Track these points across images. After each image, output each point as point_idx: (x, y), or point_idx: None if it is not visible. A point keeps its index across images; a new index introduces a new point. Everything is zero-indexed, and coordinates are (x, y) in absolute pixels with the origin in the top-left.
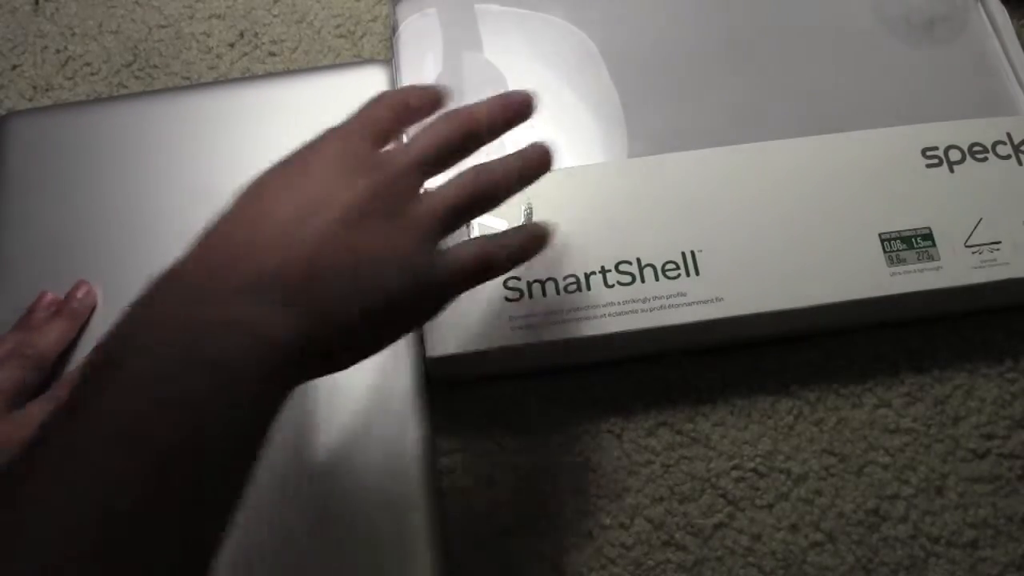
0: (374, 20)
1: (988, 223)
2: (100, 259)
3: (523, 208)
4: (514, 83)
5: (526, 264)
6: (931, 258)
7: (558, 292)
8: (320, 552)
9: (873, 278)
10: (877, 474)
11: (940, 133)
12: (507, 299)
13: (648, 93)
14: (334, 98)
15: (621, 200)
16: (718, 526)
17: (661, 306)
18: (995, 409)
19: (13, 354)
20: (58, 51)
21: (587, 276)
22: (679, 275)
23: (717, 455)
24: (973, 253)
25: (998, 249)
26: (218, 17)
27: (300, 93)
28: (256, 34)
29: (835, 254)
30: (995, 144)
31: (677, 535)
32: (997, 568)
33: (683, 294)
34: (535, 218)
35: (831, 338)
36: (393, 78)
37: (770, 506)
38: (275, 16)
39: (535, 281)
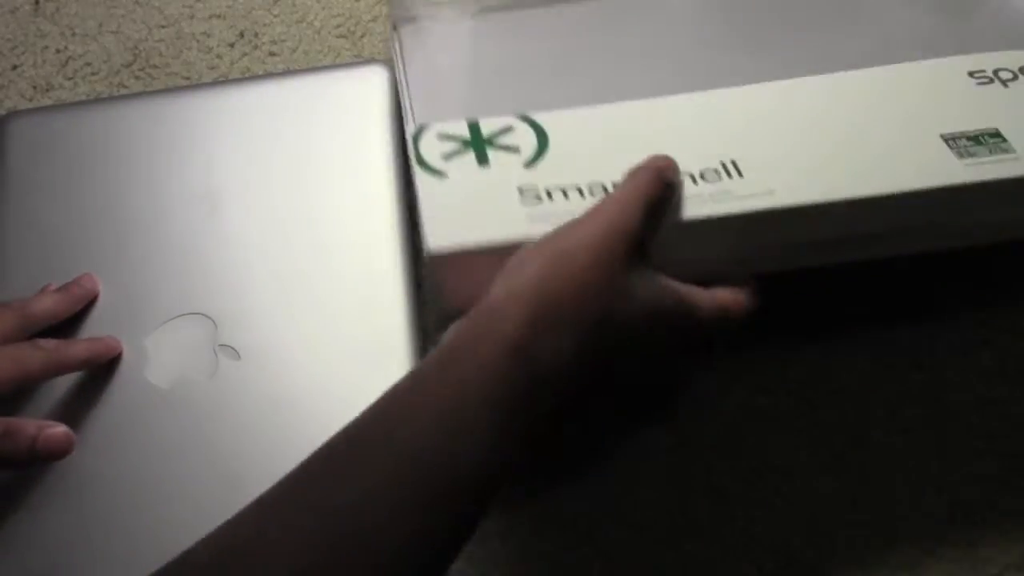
0: (374, 20)
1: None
2: (100, 258)
3: None
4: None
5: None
6: (1004, 151)
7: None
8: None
9: (945, 167)
10: (877, 473)
11: (984, 60)
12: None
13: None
14: (334, 98)
15: (651, 121)
16: (718, 526)
17: (710, 195)
18: (995, 409)
19: (5, 307)
20: (58, 51)
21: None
22: (720, 177)
23: (717, 455)
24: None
25: None
26: (218, 17)
27: (300, 93)
28: (256, 34)
29: (897, 148)
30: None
31: (677, 535)
32: (997, 568)
33: (729, 192)
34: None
35: (831, 338)
36: (399, 79)
37: (770, 506)
38: (275, 16)
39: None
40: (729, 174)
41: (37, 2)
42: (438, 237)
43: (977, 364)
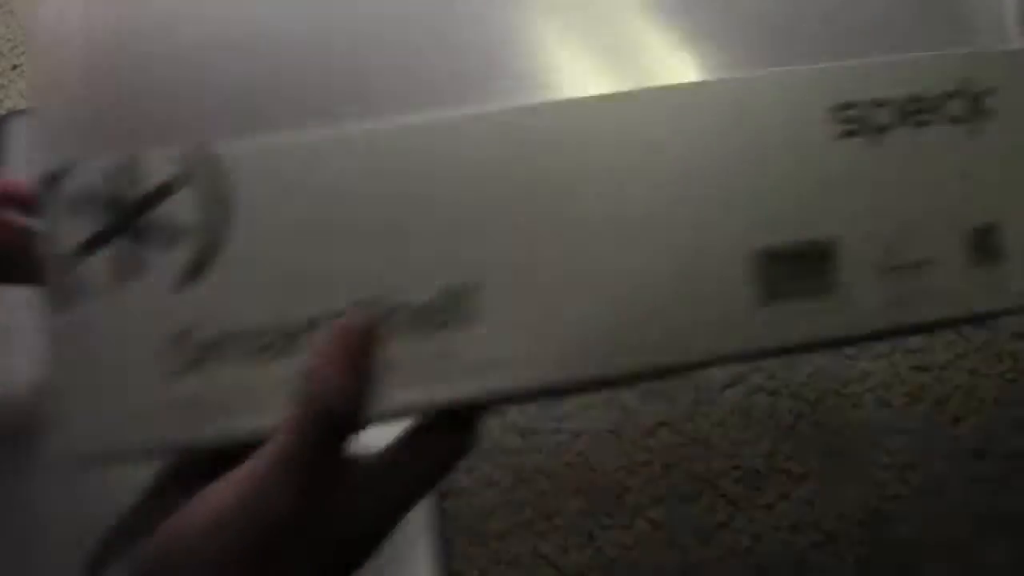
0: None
1: (921, 230)
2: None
3: None
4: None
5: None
6: (828, 289)
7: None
8: None
9: (732, 323)
10: (877, 474)
11: (860, 80)
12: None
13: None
14: None
15: (343, 201)
16: (718, 526)
17: (416, 376)
18: (995, 409)
19: None
20: None
21: (285, 337)
22: (447, 323)
23: (717, 455)
24: (892, 280)
25: (931, 271)
26: None
27: None
28: None
29: (676, 286)
30: (943, 99)
31: (677, 535)
32: (997, 568)
33: (451, 354)
34: None
35: None
36: None
37: (770, 506)
38: None
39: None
40: (460, 317)
41: None
42: (63, 437)
43: (977, 364)
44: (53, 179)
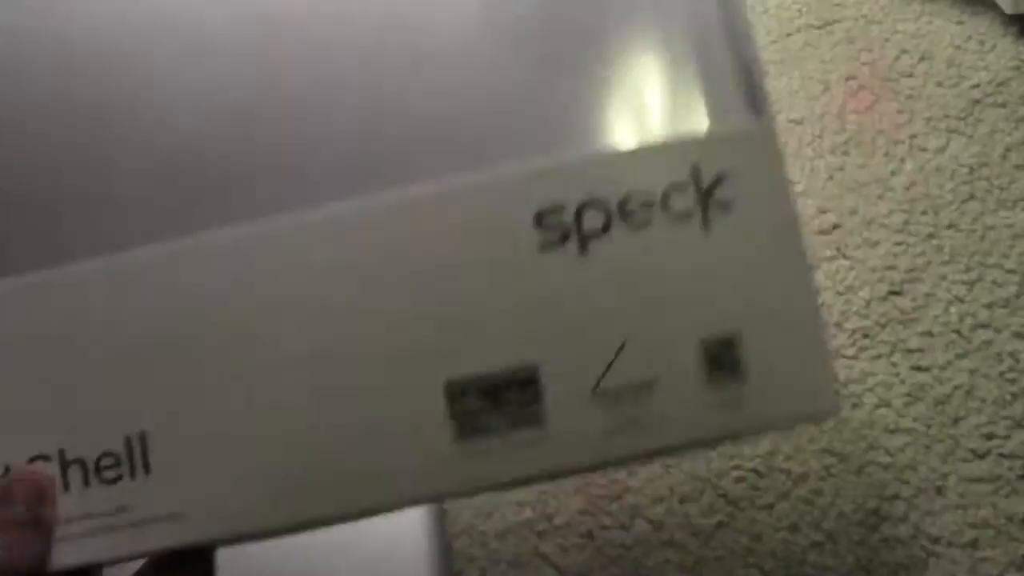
0: None
1: (639, 348)
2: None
3: None
4: None
5: None
6: (533, 420)
7: None
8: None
9: (430, 463)
10: (877, 474)
11: (571, 178)
12: None
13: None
14: None
15: (19, 350)
16: (718, 526)
17: (90, 531)
18: (995, 409)
19: None
20: None
21: None
22: (121, 476)
23: (717, 455)
24: (610, 405)
25: (650, 396)
26: None
27: None
28: None
29: (364, 425)
30: (668, 192)
31: (677, 535)
32: (997, 568)
33: (124, 509)
34: None
35: (830, 335)
36: None
37: (770, 506)
38: None
39: None
40: (133, 468)
41: None
42: None
43: (977, 364)
44: None
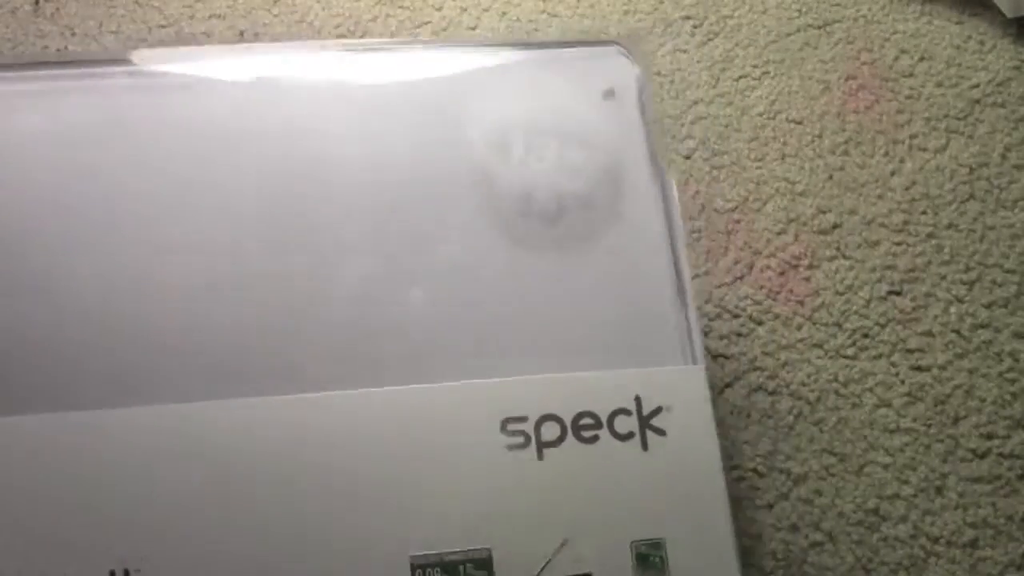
0: (373, 20)
1: (580, 544)
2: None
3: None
4: None
5: None
6: None
7: None
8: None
9: None
10: (877, 474)
11: (533, 395)
12: None
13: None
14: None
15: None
16: None
17: None
18: (995, 409)
19: None
20: (58, 51)
21: None
22: None
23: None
24: None
25: None
26: (218, 17)
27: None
28: (256, 34)
29: None
30: (614, 415)
31: None
32: (997, 568)
33: None
34: None
35: (830, 335)
36: None
37: (770, 506)
38: (275, 16)
39: None
40: None
41: (37, 2)
42: None
43: (977, 364)
44: None
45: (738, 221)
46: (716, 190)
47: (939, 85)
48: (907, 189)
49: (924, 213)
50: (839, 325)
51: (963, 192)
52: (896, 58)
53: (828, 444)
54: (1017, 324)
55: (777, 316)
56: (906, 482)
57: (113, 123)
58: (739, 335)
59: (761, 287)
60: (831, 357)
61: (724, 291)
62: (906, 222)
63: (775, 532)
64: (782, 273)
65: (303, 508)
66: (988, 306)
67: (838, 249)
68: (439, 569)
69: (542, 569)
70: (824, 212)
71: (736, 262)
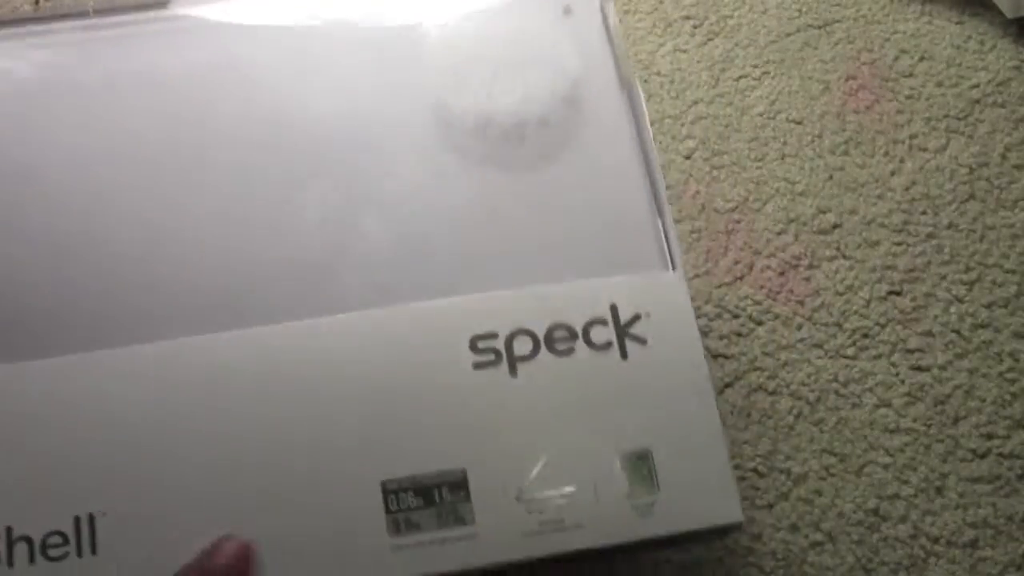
0: None
1: (562, 460)
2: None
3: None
4: None
5: None
6: (461, 520)
7: None
8: None
9: (368, 557)
10: (877, 474)
11: (502, 310)
12: None
13: None
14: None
15: None
16: None
17: None
18: (995, 409)
19: None
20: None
21: None
22: (67, 554)
23: None
24: (529, 511)
25: (571, 502)
26: None
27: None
28: None
29: (310, 523)
30: (589, 325)
31: None
32: (997, 568)
33: None
34: None
35: (830, 335)
36: None
37: (770, 506)
38: None
39: None
40: (80, 548)
41: (37, 2)
42: None
43: (977, 364)
44: None
45: (738, 221)
46: (716, 190)
47: (939, 85)
48: (907, 189)
49: (924, 213)
50: (839, 325)
51: (963, 192)
52: (896, 58)
53: (828, 444)
54: (1017, 324)
55: (777, 316)
56: (906, 482)
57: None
58: (739, 335)
59: (761, 287)
60: (831, 357)
61: (724, 291)
62: (906, 222)
63: (775, 532)
64: (782, 273)
65: (271, 440)
66: (988, 306)
67: (838, 249)
68: (412, 492)
69: (523, 488)
70: (824, 212)
71: (736, 262)
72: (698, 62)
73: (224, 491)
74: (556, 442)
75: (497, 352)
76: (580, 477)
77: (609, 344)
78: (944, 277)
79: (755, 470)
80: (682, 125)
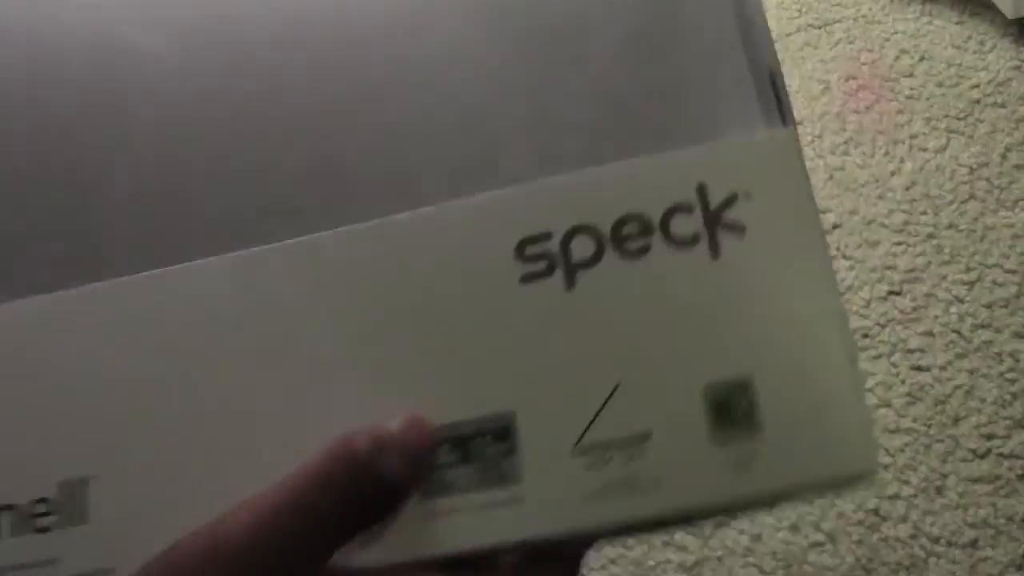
0: None
1: (632, 396)
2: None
3: None
4: None
5: None
6: (504, 479)
7: None
8: None
9: (391, 528)
10: (877, 474)
11: (556, 202)
12: None
13: None
14: None
15: None
16: (718, 526)
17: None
18: (995, 409)
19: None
20: None
21: None
22: (53, 525)
23: None
24: (590, 464)
25: (643, 453)
26: None
27: None
28: None
29: None
30: (668, 215)
31: (677, 535)
32: (997, 568)
33: (52, 561)
34: None
35: None
36: None
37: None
38: None
39: None
40: (69, 516)
41: None
42: None
43: (977, 364)
44: None
45: None
46: None
47: (939, 85)
48: (907, 189)
49: (924, 213)
50: None
51: (963, 192)
52: (896, 58)
53: None
54: (1017, 324)
55: None
56: (906, 482)
57: None
58: None
59: None
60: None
61: None
62: (906, 222)
63: (775, 532)
64: None
65: (283, 392)
66: (988, 306)
67: (838, 249)
68: (446, 444)
69: (583, 433)
70: (824, 212)
71: None
72: None
73: (233, 455)
74: (626, 374)
75: (550, 258)
76: (656, 420)
77: (696, 238)
78: (944, 277)
79: None
80: None
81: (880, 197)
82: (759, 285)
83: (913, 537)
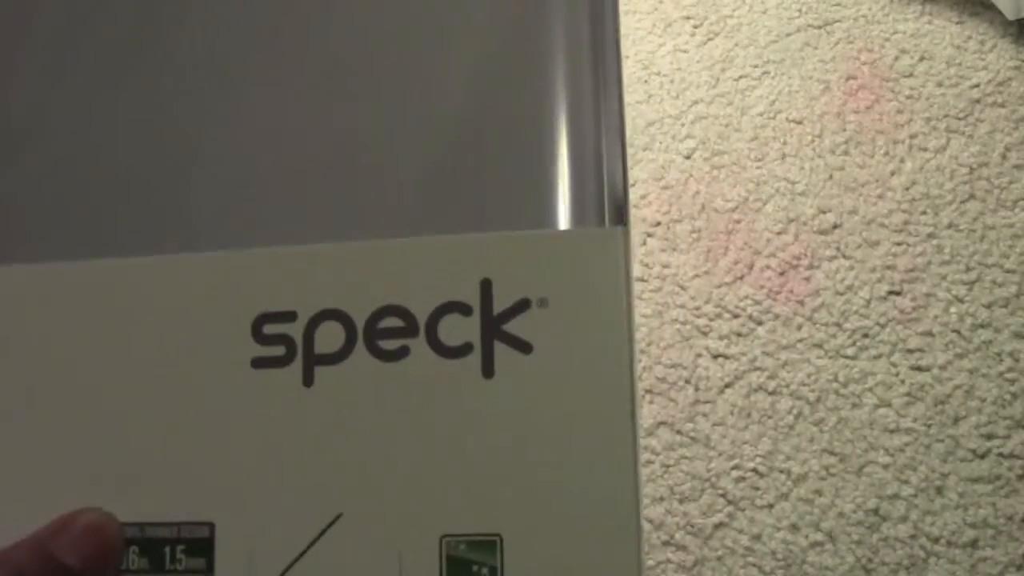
0: None
1: (357, 529)
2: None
3: None
4: None
5: None
6: None
7: None
8: None
9: None
10: (877, 474)
11: (307, 275)
12: None
13: None
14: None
15: None
16: (718, 526)
17: None
18: (995, 409)
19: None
20: None
21: None
22: None
23: (717, 455)
24: None
25: None
26: None
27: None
28: None
29: None
30: (440, 312)
31: (677, 535)
32: (997, 568)
33: None
34: None
35: (830, 335)
36: None
37: (770, 506)
38: None
39: None
40: None
41: None
42: None
43: (977, 364)
44: None
45: (738, 221)
46: (716, 190)
47: (939, 85)
48: (907, 189)
49: (924, 213)
50: (839, 325)
51: (963, 192)
52: (896, 58)
53: (828, 444)
54: (1017, 324)
55: (777, 316)
56: (906, 482)
57: None
58: (739, 335)
59: (761, 287)
60: (831, 357)
61: (724, 291)
62: (906, 222)
63: (775, 532)
64: (782, 273)
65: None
66: (988, 306)
67: (838, 249)
68: (140, 549)
69: (294, 561)
70: (824, 212)
71: (736, 262)
72: (698, 62)
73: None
74: (355, 503)
75: (290, 344)
76: (379, 563)
77: (467, 348)
78: (944, 277)
79: (755, 470)
80: (682, 125)
81: (880, 197)
82: (536, 422)
83: (913, 537)
